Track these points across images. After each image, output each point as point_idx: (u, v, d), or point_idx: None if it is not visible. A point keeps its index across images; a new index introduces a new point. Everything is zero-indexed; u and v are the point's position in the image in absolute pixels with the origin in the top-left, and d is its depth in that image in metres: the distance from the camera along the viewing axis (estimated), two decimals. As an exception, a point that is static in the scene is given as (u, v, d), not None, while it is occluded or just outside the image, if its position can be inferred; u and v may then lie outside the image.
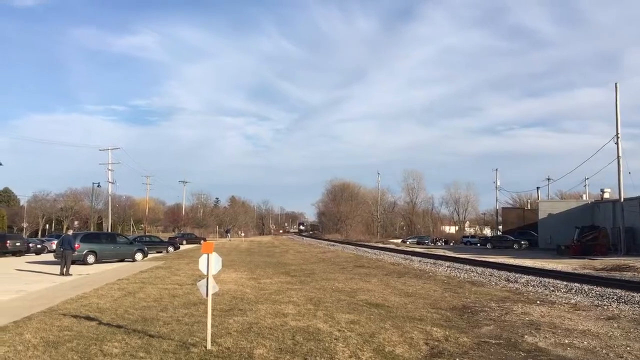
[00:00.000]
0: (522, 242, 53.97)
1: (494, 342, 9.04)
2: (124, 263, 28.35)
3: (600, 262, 29.83)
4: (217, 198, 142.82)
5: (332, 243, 67.73)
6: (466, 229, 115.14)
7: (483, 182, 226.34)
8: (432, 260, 31.21)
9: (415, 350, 8.32)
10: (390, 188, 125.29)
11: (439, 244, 78.00)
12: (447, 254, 38.40)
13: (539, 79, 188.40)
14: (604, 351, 8.47)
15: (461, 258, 32.71)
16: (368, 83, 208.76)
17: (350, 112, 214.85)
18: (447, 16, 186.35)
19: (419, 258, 33.76)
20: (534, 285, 17.89)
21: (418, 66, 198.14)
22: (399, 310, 12.35)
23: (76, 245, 24.68)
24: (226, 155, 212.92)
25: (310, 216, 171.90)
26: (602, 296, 14.99)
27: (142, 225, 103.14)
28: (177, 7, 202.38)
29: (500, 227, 70.93)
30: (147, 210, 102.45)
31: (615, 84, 39.81)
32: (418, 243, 75.70)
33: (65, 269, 21.46)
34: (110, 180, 70.55)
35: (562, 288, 16.92)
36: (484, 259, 31.81)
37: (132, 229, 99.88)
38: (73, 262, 23.21)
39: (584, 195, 65.88)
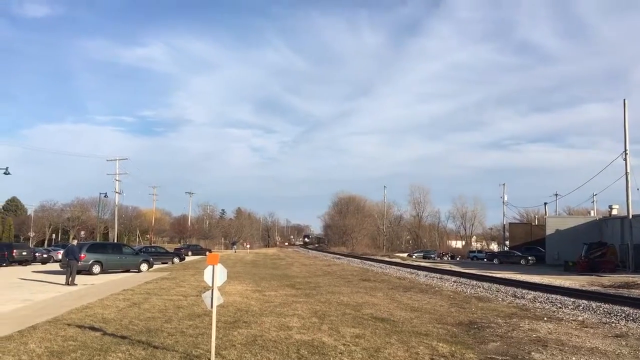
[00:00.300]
0: (529, 258, 53.59)
1: (500, 358, 8.94)
2: (129, 274, 28.35)
3: (608, 279, 29.55)
4: (223, 209, 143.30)
5: (338, 256, 67.53)
6: (473, 243, 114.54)
7: (490, 197, 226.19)
8: (438, 275, 31.03)
9: (421, 366, 8.23)
10: (397, 202, 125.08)
11: (446, 258, 77.57)
12: (453, 269, 38.16)
13: (546, 94, 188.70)
14: (612, 369, 8.35)
15: (468, 273, 32.50)
16: (375, 97, 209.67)
17: (357, 126, 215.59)
18: (454, 31, 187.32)
19: (425, 272, 33.59)
20: (541, 302, 17.73)
21: (425, 80, 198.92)
22: (404, 324, 12.25)
23: (81, 256, 24.72)
24: (232, 167, 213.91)
25: (316, 229, 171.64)
26: (610, 313, 14.83)
27: (148, 236, 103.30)
28: (186, 20, 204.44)
29: (507, 242, 70.52)
30: (153, 221, 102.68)
31: (624, 100, 39.69)
32: (424, 257, 75.31)
33: (70, 279, 21.49)
34: (117, 191, 70.65)
35: (570, 305, 16.76)
36: (490, 275, 31.58)
37: (138, 240, 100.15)
38: (79, 272, 23.23)
39: (592, 212, 65.45)
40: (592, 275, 34.13)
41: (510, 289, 21.85)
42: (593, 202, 66.93)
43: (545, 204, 73.13)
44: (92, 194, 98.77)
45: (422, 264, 50.48)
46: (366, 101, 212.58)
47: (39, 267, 35.57)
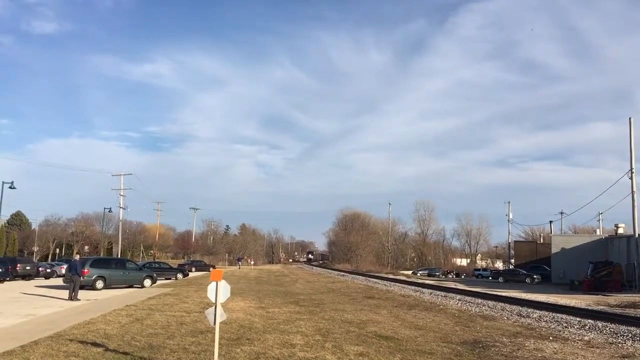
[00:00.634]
0: (535, 277, 53.22)
1: (505, 378, 8.84)
2: (132, 289, 28.28)
3: (614, 299, 29.29)
4: (227, 225, 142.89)
5: (342, 273, 67.23)
6: (478, 261, 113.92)
7: (495, 214, 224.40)
8: (443, 293, 30.83)
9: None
10: (401, 219, 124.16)
11: (450, 276, 77.14)
12: (458, 287, 37.92)
13: (551, 113, 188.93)
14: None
15: (472, 291, 32.28)
16: (380, 114, 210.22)
17: (362, 143, 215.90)
18: (459, 49, 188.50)
19: (430, 290, 33.38)
20: (546, 321, 17.57)
21: (430, 98, 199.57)
22: (409, 343, 12.15)
23: (84, 271, 24.70)
24: (237, 183, 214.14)
25: (321, 245, 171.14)
26: (616, 333, 14.68)
27: (152, 252, 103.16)
28: (193, 36, 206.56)
29: (513, 260, 70.13)
30: (157, 237, 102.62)
31: (630, 118, 39.69)
32: (429, 275, 74.92)
33: (73, 294, 21.45)
34: (121, 206, 70.87)
35: (576, 324, 16.61)
36: (495, 293, 31.34)
37: (141, 255, 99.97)
38: (82, 287, 23.21)
39: (598, 230, 65.07)
40: (598, 294, 33.84)
41: (516, 308, 21.67)
42: (599, 220, 66.72)
43: (550, 222, 72.77)
44: (96, 209, 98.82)
45: (427, 281, 50.19)
46: (371, 118, 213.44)
47: (42, 281, 35.54)
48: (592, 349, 12.20)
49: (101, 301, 21.08)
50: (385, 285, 39.63)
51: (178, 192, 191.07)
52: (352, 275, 58.55)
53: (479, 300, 25.52)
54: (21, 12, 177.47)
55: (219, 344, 8.51)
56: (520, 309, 21.35)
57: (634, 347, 12.56)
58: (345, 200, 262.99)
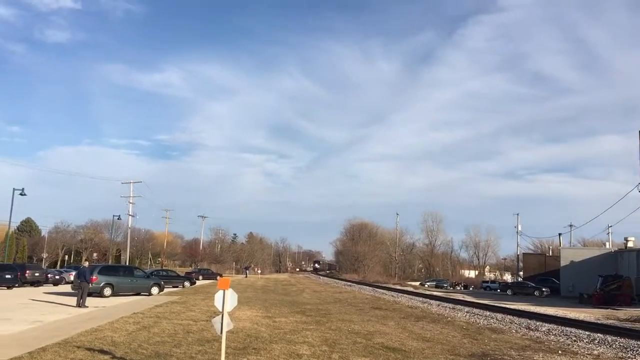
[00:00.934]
0: (544, 289, 52.76)
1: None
2: (140, 297, 28.33)
3: (624, 313, 28.99)
4: (235, 234, 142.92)
5: (349, 283, 67.00)
6: (486, 273, 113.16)
7: (503, 226, 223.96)
8: (450, 305, 30.65)
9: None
10: (409, 229, 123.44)
11: (458, 288, 76.68)
12: (466, 299, 37.70)
13: (561, 125, 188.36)
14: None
15: (481, 303, 32.06)
16: (388, 124, 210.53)
17: (370, 152, 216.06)
18: (467, 61, 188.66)
19: (438, 302, 33.20)
20: (555, 334, 17.41)
21: (439, 109, 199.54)
22: (416, 355, 12.07)
23: (93, 278, 24.80)
24: (245, 192, 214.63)
25: (328, 255, 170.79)
26: (626, 348, 14.52)
27: (160, 259, 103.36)
28: (203, 46, 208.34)
29: (521, 273, 69.64)
30: (165, 244, 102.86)
31: (639, 131, 39.50)
32: (437, 286, 74.53)
33: (81, 301, 21.52)
34: (130, 213, 71.15)
35: (585, 338, 16.45)
36: (504, 305, 31.10)
37: (149, 263, 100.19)
38: (90, 294, 23.28)
39: (607, 243, 64.58)
40: (607, 308, 33.52)
41: (524, 321, 21.51)
42: (608, 233, 66.24)
43: (559, 234, 72.25)
44: (105, 216, 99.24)
45: (435, 293, 49.91)
46: (380, 128, 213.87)
47: (50, 288, 35.68)
48: (601, 363, 12.07)
49: (109, 308, 21.13)
50: (392, 296, 39.46)
51: (186, 200, 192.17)
52: (359, 286, 58.34)
53: (487, 313, 25.35)
54: (35, 21, 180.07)
55: (226, 353, 8.51)
56: (529, 322, 21.18)
57: (644, 362, 12.42)
58: (352, 210, 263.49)
